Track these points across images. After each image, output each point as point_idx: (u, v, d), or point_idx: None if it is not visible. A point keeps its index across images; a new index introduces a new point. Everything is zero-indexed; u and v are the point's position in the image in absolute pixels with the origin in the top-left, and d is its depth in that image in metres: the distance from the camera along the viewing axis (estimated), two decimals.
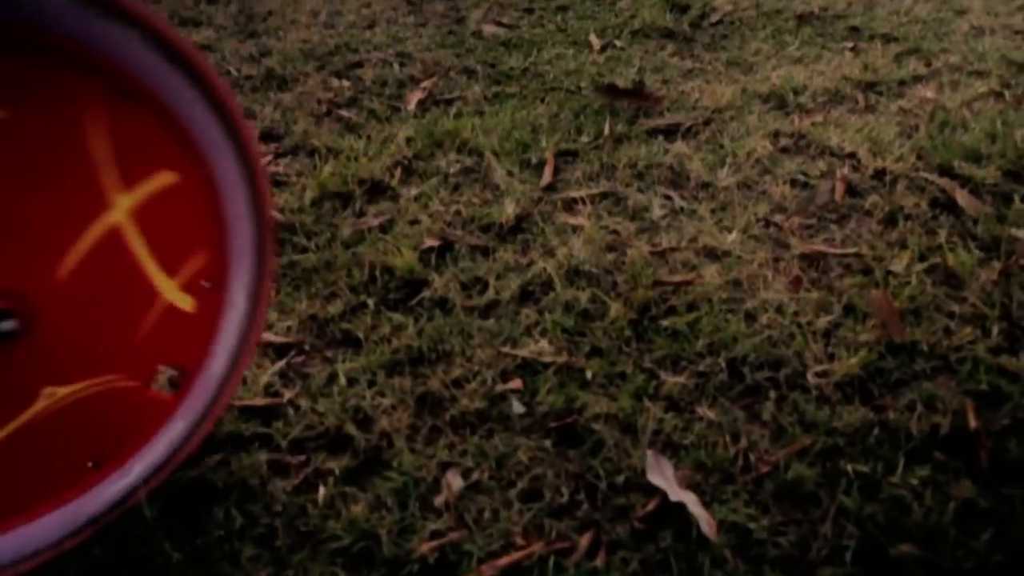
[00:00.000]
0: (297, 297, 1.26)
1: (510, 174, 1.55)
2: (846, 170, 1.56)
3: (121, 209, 0.80)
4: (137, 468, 0.91)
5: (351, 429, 1.03)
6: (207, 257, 0.88)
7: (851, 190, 1.51)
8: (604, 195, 1.48)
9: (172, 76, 0.79)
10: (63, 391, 0.82)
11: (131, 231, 0.82)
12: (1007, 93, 1.83)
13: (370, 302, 1.24)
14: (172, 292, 0.87)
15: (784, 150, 1.62)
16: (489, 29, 2.29)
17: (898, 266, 1.32)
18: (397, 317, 1.21)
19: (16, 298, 0.77)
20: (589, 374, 1.10)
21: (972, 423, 1.05)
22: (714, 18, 2.29)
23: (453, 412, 1.05)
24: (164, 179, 0.83)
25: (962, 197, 1.48)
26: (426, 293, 1.26)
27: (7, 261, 0.76)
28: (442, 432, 1.03)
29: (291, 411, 1.05)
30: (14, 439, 0.81)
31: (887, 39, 2.13)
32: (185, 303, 0.88)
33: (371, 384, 1.09)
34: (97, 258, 0.80)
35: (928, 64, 1.99)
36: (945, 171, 1.56)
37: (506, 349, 1.14)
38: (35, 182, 0.75)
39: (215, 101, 0.82)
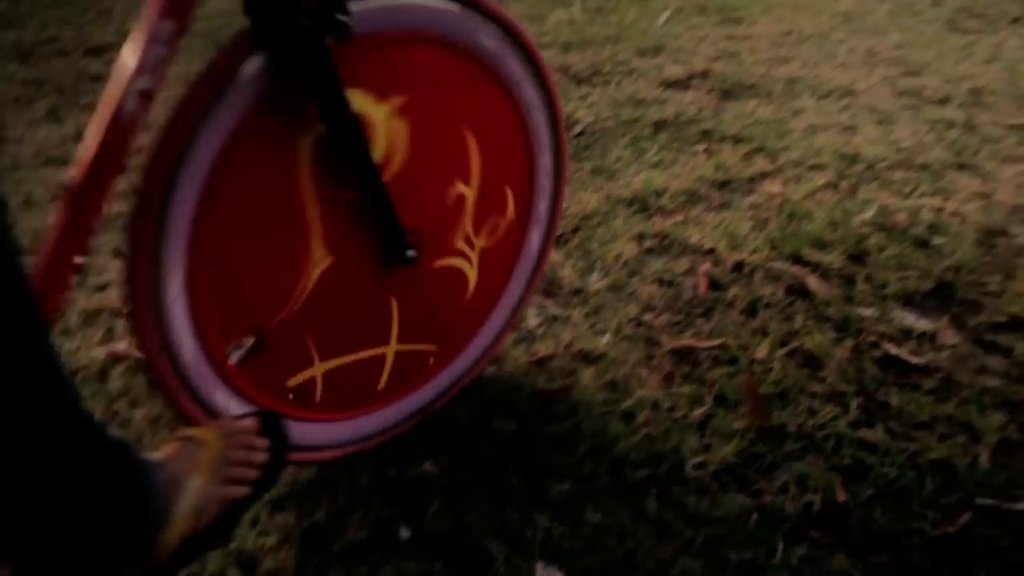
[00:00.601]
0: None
1: None
2: (707, 265, 1.65)
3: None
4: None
5: (234, 574, 0.99)
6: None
7: (713, 284, 1.60)
8: None
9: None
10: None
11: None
12: (842, 183, 2.00)
13: None
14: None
15: (649, 251, 1.72)
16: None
17: (762, 353, 1.39)
18: None
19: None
20: (475, 490, 1.11)
21: (841, 497, 1.11)
22: (577, 129, 2.42)
23: (340, 544, 1.04)
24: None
25: (813, 282, 1.59)
26: None
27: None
28: (330, 567, 1.01)
29: None
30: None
31: (735, 140, 2.30)
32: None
33: (254, 524, 1.06)
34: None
35: (773, 161, 2.15)
36: (796, 259, 1.67)
37: (391, 473, 1.14)
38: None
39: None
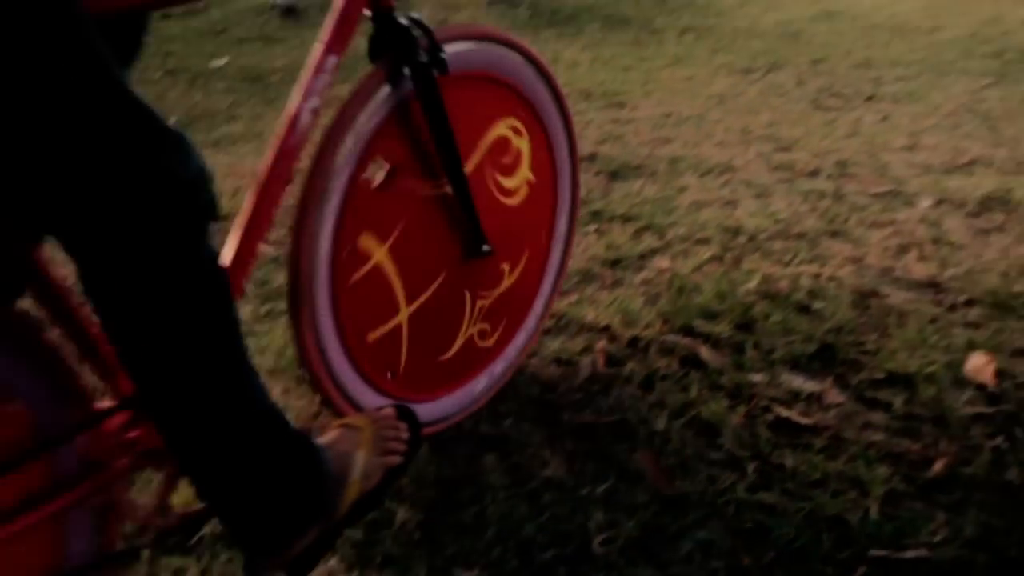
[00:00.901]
0: None
1: (287, 391, 1.55)
2: (603, 343, 1.69)
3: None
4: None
5: None
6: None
7: (610, 360, 1.64)
8: None
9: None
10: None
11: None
12: (727, 256, 2.10)
13: (144, 549, 1.16)
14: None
15: (546, 332, 1.75)
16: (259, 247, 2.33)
17: (660, 425, 1.43)
18: (176, 560, 1.15)
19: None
20: None
21: (744, 561, 1.14)
22: None
23: None
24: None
25: (705, 352, 1.65)
26: (207, 528, 1.21)
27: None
28: None
29: None
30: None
31: (625, 219, 2.38)
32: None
33: None
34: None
35: (661, 237, 2.24)
36: (688, 331, 1.73)
37: None
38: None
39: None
